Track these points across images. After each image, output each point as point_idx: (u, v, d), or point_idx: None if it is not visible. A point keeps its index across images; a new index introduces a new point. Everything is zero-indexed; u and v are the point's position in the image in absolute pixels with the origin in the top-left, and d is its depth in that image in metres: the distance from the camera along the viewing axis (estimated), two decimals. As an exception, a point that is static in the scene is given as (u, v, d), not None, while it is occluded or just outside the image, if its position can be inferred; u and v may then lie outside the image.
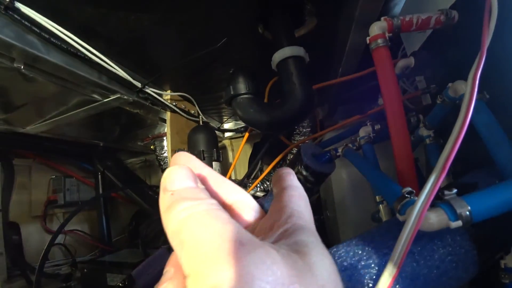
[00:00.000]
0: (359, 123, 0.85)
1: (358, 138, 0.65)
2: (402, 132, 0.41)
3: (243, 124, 1.64)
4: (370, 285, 0.34)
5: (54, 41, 0.69)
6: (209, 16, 0.73)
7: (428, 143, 0.60)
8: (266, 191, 1.33)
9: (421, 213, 0.28)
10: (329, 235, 1.21)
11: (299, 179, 0.64)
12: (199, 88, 1.15)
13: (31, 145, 1.61)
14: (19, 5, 0.61)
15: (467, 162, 0.53)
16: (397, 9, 0.77)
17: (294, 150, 1.35)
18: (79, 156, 1.89)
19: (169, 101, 1.08)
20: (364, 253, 0.36)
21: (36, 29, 0.65)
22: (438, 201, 0.30)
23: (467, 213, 0.29)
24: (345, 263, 0.37)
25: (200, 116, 1.18)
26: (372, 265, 0.35)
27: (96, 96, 0.98)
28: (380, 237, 0.37)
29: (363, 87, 0.91)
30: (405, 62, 0.68)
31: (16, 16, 0.61)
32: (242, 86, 0.69)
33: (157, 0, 0.66)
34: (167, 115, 1.12)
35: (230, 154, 1.81)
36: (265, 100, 0.81)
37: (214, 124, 1.56)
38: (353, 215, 0.91)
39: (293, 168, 0.65)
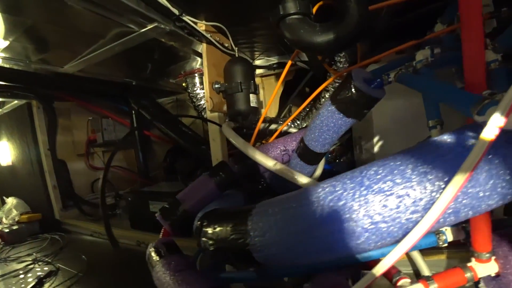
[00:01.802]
0: (407, 58, 0.80)
1: (414, 63, 0.62)
2: (477, 36, 0.38)
3: (275, 61, 1.59)
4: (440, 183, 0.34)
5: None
6: None
7: (494, 68, 0.56)
8: (298, 129, 1.33)
9: (508, 110, 0.27)
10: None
11: (346, 104, 0.63)
12: (234, 19, 1.10)
13: (68, 86, 1.67)
14: None
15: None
16: None
17: (330, 88, 1.32)
18: (114, 97, 1.96)
19: (204, 31, 1.05)
20: (443, 148, 0.37)
21: None
22: None
23: None
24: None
25: (236, 49, 1.15)
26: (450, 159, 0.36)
27: (133, 26, 0.97)
28: (457, 135, 0.37)
29: (417, 12, 0.84)
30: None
31: None
32: (291, 5, 0.65)
33: None
34: (203, 47, 1.09)
35: (261, 92, 1.79)
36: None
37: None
38: (394, 150, 0.90)
39: (342, 94, 0.64)
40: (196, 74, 1.49)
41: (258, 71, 1.69)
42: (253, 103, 1.04)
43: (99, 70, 1.50)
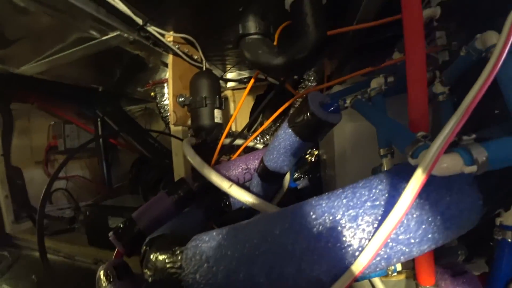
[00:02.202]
0: (369, 80, 0.81)
1: (368, 90, 0.62)
2: (420, 75, 0.38)
3: (246, 75, 1.59)
4: (370, 229, 0.34)
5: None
6: None
7: (441, 100, 0.57)
8: (266, 144, 1.32)
9: (437, 156, 0.27)
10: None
11: (302, 127, 0.63)
12: (203, 31, 1.08)
13: (29, 88, 1.57)
14: None
15: (478, 120, 0.51)
16: None
17: (297, 104, 1.33)
18: (79, 101, 1.86)
19: (171, 43, 1.03)
20: (371, 194, 0.36)
21: None
22: (453, 148, 0.29)
23: (484, 158, 0.28)
24: (350, 203, 0.37)
25: (204, 62, 1.13)
26: (379, 206, 0.35)
27: (94, 33, 0.93)
28: (389, 179, 0.36)
29: (378, 38, 0.86)
30: (430, 12, 0.62)
31: None
32: (251, 25, 0.64)
33: None
34: (169, 58, 1.07)
35: (231, 105, 1.78)
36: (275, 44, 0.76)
37: (216, 72, 1.50)
38: (354, 172, 0.91)
39: (298, 118, 0.63)
40: (165, 84, 1.45)
41: (229, 84, 1.68)
42: (217, 119, 1.02)
43: (64, 74, 1.43)
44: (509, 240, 0.44)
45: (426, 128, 0.39)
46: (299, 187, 1.28)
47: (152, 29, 0.90)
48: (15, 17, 0.86)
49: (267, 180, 0.81)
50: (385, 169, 0.61)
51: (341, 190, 0.39)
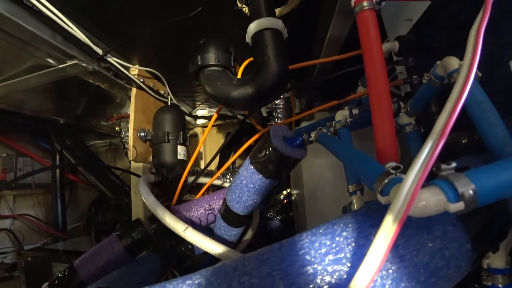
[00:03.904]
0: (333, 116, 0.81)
1: (333, 123, 0.60)
2: (384, 101, 0.35)
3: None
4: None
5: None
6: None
7: (408, 132, 0.56)
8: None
9: (413, 192, 0.21)
10: (297, 233, 1.16)
11: (264, 164, 0.59)
12: (170, 66, 1.06)
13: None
14: None
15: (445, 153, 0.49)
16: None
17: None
18: (36, 133, 1.72)
19: (136, 76, 0.99)
20: (334, 245, 0.29)
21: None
22: (430, 181, 0.24)
23: (471, 192, 0.22)
24: (307, 257, 0.29)
25: (169, 97, 1.09)
26: (343, 260, 0.28)
27: (50, 60, 0.87)
28: (356, 224, 0.30)
29: (342, 73, 0.87)
30: (389, 46, 0.63)
31: None
32: (211, 56, 0.62)
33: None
34: (132, 91, 1.02)
35: (201, 143, 1.72)
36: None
37: (185, 108, 1.47)
38: (324, 209, 0.86)
39: (259, 153, 0.59)
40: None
41: (199, 122, 1.64)
42: (180, 155, 0.96)
43: (21, 103, 1.33)
44: (500, 286, 0.38)
45: (395, 158, 0.35)
46: (269, 228, 1.21)
47: (113, 60, 0.86)
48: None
49: (231, 222, 0.74)
50: (355, 207, 0.57)
51: (296, 238, 0.31)
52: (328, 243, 0.29)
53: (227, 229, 0.76)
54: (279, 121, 1.24)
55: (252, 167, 0.60)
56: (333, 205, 0.82)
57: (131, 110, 0.99)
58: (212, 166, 1.70)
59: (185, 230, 0.59)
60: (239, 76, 0.78)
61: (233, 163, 1.69)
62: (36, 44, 0.78)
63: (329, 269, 0.27)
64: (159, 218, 0.65)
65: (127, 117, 1.37)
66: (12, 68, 0.97)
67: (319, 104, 1.14)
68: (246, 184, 0.61)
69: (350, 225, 0.30)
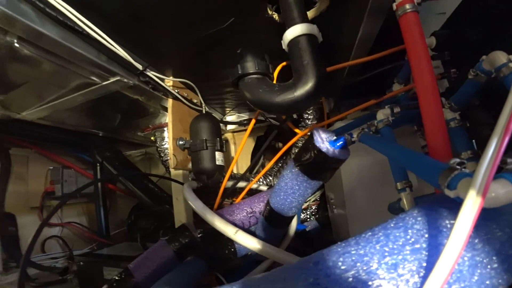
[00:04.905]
0: (370, 114, 0.80)
1: (375, 122, 0.60)
2: (434, 100, 0.36)
3: (246, 117, 1.60)
4: (415, 279, 0.28)
5: (50, 11, 0.64)
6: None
7: (453, 127, 0.55)
8: (270, 186, 1.28)
9: (485, 185, 0.23)
10: (335, 234, 1.16)
11: (309, 166, 0.60)
12: (202, 75, 1.10)
13: (28, 133, 1.56)
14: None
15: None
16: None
17: (299, 144, 1.31)
18: (78, 147, 1.84)
19: (171, 87, 1.04)
20: (408, 236, 0.31)
21: (29, -2, 0.60)
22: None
23: None
24: (386, 248, 0.31)
25: (203, 105, 1.13)
26: (421, 250, 0.29)
27: (95, 78, 0.94)
28: (425, 217, 0.31)
29: (374, 73, 0.87)
30: (426, 42, 0.63)
31: (7, -19, 0.56)
32: (250, 65, 0.64)
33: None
34: (169, 102, 1.07)
35: (232, 147, 1.76)
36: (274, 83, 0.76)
37: (216, 115, 1.51)
38: (366, 209, 0.86)
39: (304, 156, 0.61)
40: (165, 128, 1.45)
41: (229, 127, 1.68)
42: (219, 161, 0.99)
43: (64, 119, 1.43)
44: None
45: (449, 155, 0.36)
46: (307, 229, 1.22)
47: (151, 74, 0.91)
48: (17, 64, 0.87)
49: (275, 224, 0.76)
50: (405, 204, 0.57)
51: (369, 233, 0.33)
52: (403, 234, 0.31)
53: (271, 230, 0.79)
54: (309, 122, 1.25)
55: (297, 169, 0.61)
56: (374, 203, 0.82)
57: (169, 120, 1.04)
58: (242, 169, 1.74)
59: (236, 232, 0.62)
60: (274, 79, 0.80)
61: (263, 165, 1.72)
62: (83, 64, 0.85)
63: (409, 258, 0.29)
64: (209, 222, 0.68)
65: (162, 127, 1.43)
66: (60, 88, 1.04)
67: (349, 103, 1.14)
68: (291, 186, 0.63)
69: (419, 219, 0.32)
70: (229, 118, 1.61)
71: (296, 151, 1.31)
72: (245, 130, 1.73)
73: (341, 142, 0.61)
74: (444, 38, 0.65)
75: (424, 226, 0.30)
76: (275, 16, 0.79)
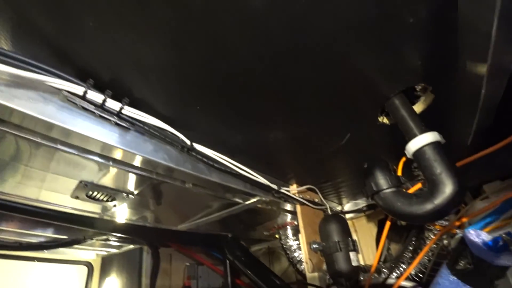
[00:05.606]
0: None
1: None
2: None
3: (364, 203, 1.60)
4: None
5: (215, 165, 0.86)
6: (331, 119, 0.83)
7: None
8: (413, 279, 1.19)
9: None
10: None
11: (469, 274, 0.59)
12: (321, 178, 1.22)
13: (173, 238, 1.87)
14: (195, 145, 0.81)
15: None
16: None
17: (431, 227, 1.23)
18: (211, 246, 2.09)
19: (296, 194, 1.17)
20: None
21: (205, 159, 0.84)
22: None
23: None
24: None
25: (328, 206, 1.22)
26: None
27: (237, 199, 1.14)
28: None
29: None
30: None
31: (193, 153, 0.81)
32: (383, 182, 0.71)
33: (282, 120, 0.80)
34: (297, 209, 1.19)
35: (353, 235, 1.74)
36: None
37: (333, 205, 1.57)
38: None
39: (460, 262, 0.60)
40: (288, 227, 1.56)
41: (348, 216, 1.69)
42: (354, 262, 1.00)
43: (200, 226, 1.71)
44: None
45: None
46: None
47: (284, 190, 1.07)
48: (186, 198, 1.15)
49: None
50: None
51: None
52: None
53: None
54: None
55: (455, 278, 0.61)
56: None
57: (300, 226, 1.14)
58: (367, 256, 1.66)
59: None
60: (399, 171, 0.82)
61: (389, 249, 1.62)
62: (232, 192, 1.07)
63: None
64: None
65: (286, 225, 1.55)
66: (208, 208, 1.30)
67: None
68: (454, 297, 0.62)
69: None
70: (346, 207, 1.64)
71: (429, 234, 1.22)
72: (365, 215, 1.71)
73: (500, 244, 0.58)
74: None
75: None
76: (385, 120, 0.86)
